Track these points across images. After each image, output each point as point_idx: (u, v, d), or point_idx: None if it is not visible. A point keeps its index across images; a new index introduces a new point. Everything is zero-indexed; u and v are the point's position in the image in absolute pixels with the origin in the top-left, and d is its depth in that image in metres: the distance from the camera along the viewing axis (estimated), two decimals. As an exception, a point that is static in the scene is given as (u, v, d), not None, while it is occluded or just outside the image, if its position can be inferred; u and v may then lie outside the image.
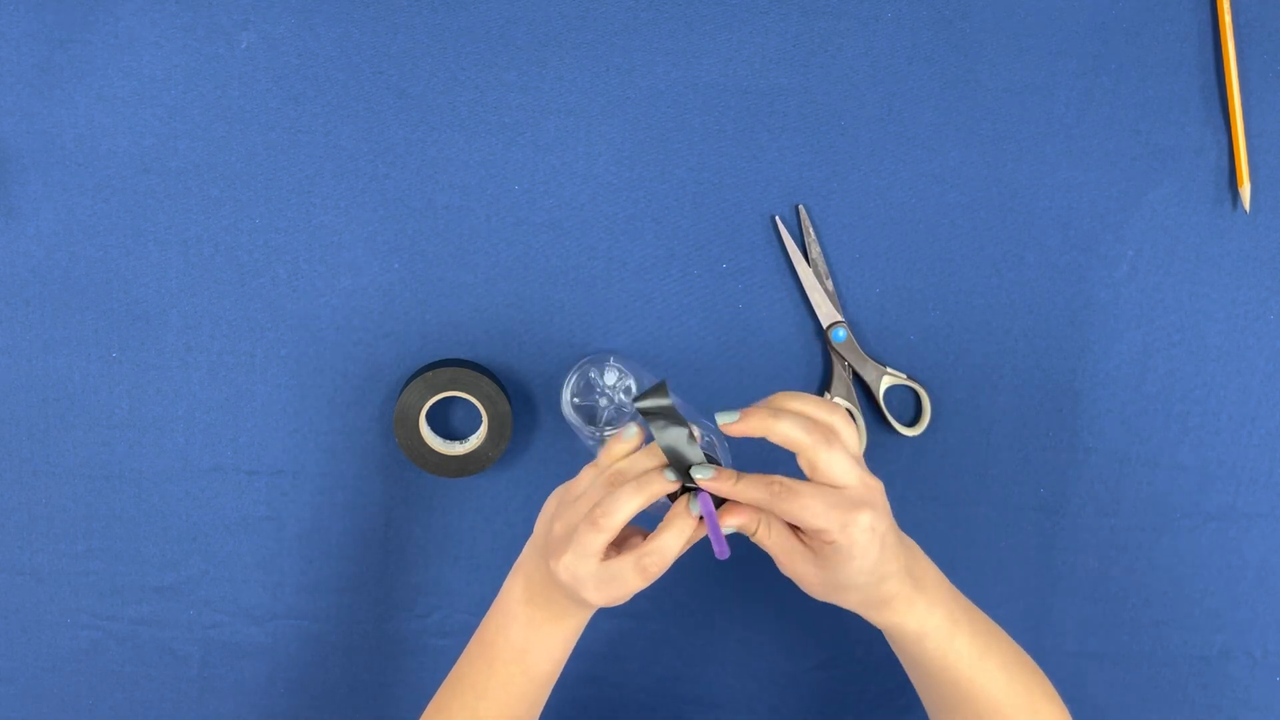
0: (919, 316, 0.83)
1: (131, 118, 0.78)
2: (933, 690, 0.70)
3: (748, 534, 0.63)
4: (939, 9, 0.80)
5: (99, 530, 0.83)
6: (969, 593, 0.87)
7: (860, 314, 0.83)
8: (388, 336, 0.81)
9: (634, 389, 0.78)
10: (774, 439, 0.60)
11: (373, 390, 0.82)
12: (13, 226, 0.79)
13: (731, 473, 0.61)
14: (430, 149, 0.79)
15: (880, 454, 0.85)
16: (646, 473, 0.62)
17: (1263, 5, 0.81)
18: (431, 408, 0.81)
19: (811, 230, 0.81)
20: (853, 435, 0.62)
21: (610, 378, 0.79)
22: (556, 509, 0.65)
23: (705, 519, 0.61)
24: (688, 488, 0.62)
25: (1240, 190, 0.82)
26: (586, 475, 0.65)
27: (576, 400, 0.79)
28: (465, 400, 0.81)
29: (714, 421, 0.62)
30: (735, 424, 0.60)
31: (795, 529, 0.63)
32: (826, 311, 0.82)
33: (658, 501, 0.62)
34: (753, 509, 0.62)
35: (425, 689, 0.86)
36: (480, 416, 0.81)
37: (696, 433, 0.62)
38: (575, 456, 0.83)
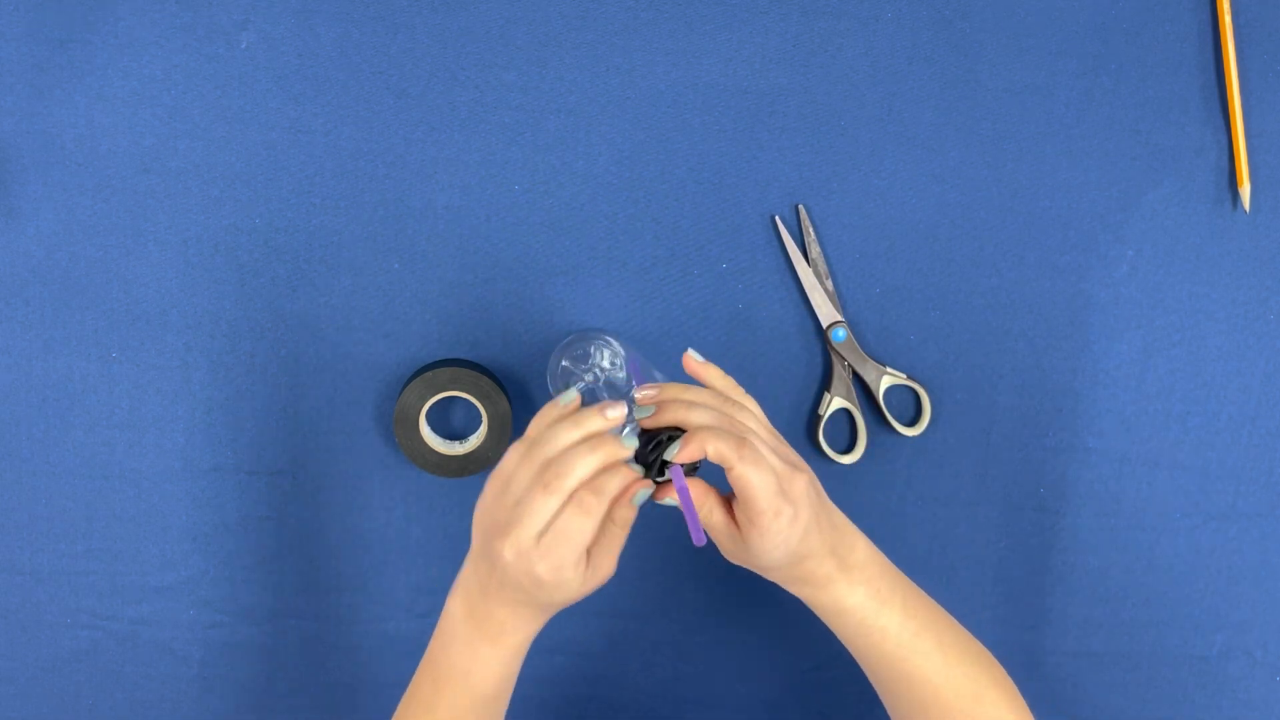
0: (919, 316, 0.83)
1: (131, 118, 0.78)
2: (871, 669, 0.70)
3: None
4: (939, 9, 0.80)
5: (99, 530, 0.83)
6: (969, 592, 0.88)
7: (860, 314, 0.83)
8: (388, 336, 0.81)
9: (624, 374, 0.78)
10: (691, 419, 0.62)
11: (373, 390, 0.82)
12: (13, 226, 0.79)
13: (699, 449, 0.61)
14: (430, 149, 0.79)
15: (880, 454, 0.85)
16: (597, 434, 0.61)
17: (1263, 5, 0.81)
18: (431, 408, 0.81)
19: (811, 230, 0.81)
20: (762, 420, 0.64)
21: (604, 358, 0.78)
22: (492, 500, 0.63)
23: (681, 502, 0.61)
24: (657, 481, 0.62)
25: (1240, 190, 0.82)
26: (514, 454, 0.63)
27: (566, 365, 0.78)
28: (465, 400, 0.81)
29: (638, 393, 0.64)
30: (651, 417, 0.62)
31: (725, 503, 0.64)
32: (826, 311, 0.82)
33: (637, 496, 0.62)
34: (705, 493, 0.63)
35: (425, 689, 0.87)
36: (480, 416, 0.81)
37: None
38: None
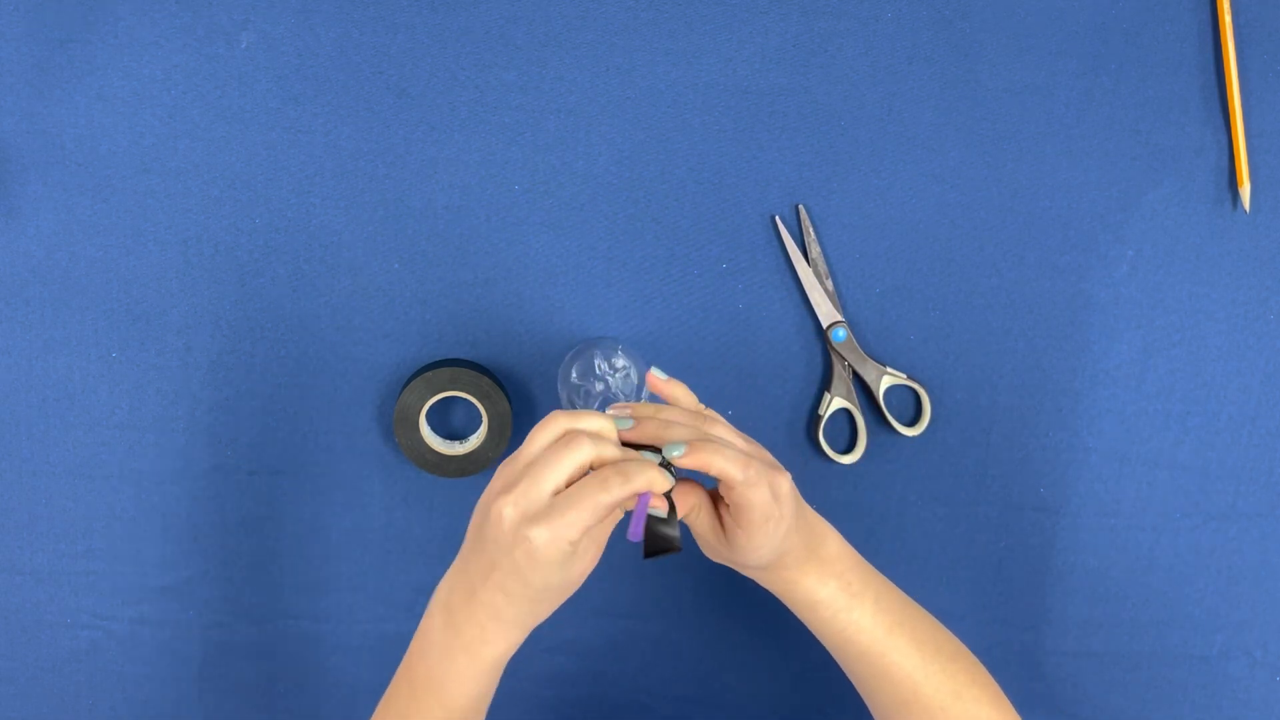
0: (919, 316, 0.83)
1: (131, 118, 0.78)
2: (847, 666, 0.70)
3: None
4: (939, 9, 0.80)
5: (99, 530, 0.83)
6: (969, 592, 0.88)
7: (860, 314, 0.83)
8: (388, 336, 0.81)
9: (635, 382, 0.78)
10: (662, 442, 0.62)
11: (373, 390, 0.82)
12: (13, 226, 0.79)
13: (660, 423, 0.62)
14: (430, 149, 0.79)
15: (880, 454, 0.85)
16: (649, 462, 0.61)
17: (1263, 5, 0.81)
18: (431, 408, 0.81)
19: (811, 230, 0.81)
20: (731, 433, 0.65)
21: (616, 366, 0.78)
22: (497, 475, 0.62)
23: (639, 501, 0.59)
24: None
25: (1240, 190, 0.82)
26: (534, 432, 0.62)
27: (575, 378, 0.78)
28: (465, 400, 0.81)
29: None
30: (630, 430, 0.63)
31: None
32: (826, 311, 0.82)
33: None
34: (697, 496, 0.64)
35: (425, 689, 0.87)
36: (480, 416, 0.81)
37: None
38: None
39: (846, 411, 0.84)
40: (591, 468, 0.60)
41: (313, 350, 0.81)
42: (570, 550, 0.58)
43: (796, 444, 0.84)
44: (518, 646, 0.64)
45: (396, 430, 0.80)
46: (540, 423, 0.61)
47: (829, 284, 0.82)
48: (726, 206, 0.81)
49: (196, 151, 0.78)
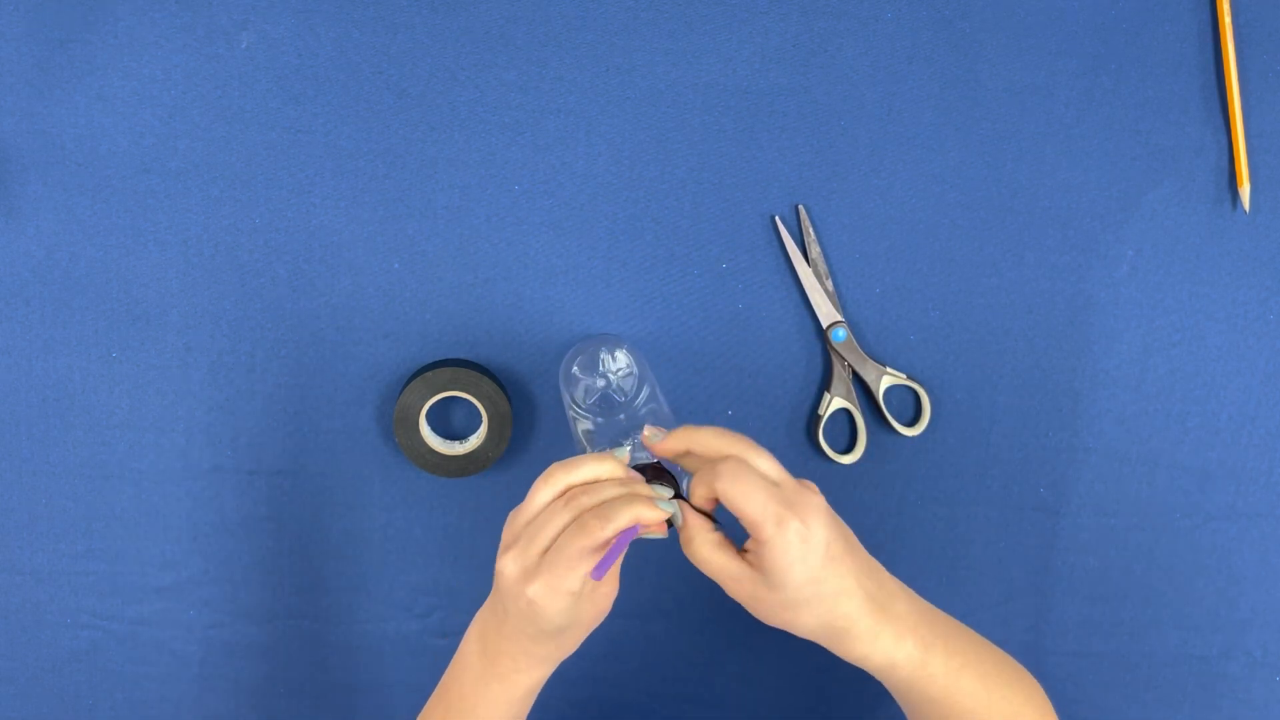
0: (919, 316, 0.83)
1: (131, 118, 0.78)
2: (914, 710, 0.69)
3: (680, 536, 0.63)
4: (939, 9, 0.80)
5: (99, 530, 0.83)
6: (969, 592, 0.87)
7: (860, 314, 0.83)
8: (388, 336, 0.81)
9: (635, 377, 0.78)
10: (698, 449, 0.62)
11: (373, 390, 0.82)
12: (13, 226, 0.79)
13: (683, 438, 0.63)
14: (430, 149, 0.79)
15: (880, 454, 0.85)
16: (636, 495, 0.60)
17: (1263, 5, 0.81)
18: (431, 408, 0.81)
19: (811, 230, 0.81)
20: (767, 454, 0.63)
21: (616, 362, 0.78)
22: (507, 524, 0.62)
23: (619, 538, 0.60)
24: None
25: (1240, 190, 0.82)
26: (537, 487, 0.62)
27: (576, 374, 0.78)
28: (465, 400, 0.81)
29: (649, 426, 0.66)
30: (662, 442, 0.63)
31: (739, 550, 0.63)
32: (826, 311, 0.82)
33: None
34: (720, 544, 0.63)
35: (425, 689, 0.86)
36: (480, 416, 0.81)
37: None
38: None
39: (846, 411, 0.84)
40: None
41: (313, 350, 0.81)
42: (572, 598, 0.60)
43: (796, 444, 0.84)
44: (549, 675, 0.66)
45: (396, 430, 0.80)
46: (541, 476, 0.62)
47: (829, 284, 0.82)
48: (726, 206, 0.81)
49: (196, 151, 0.78)
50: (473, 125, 0.79)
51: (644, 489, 0.62)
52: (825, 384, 0.83)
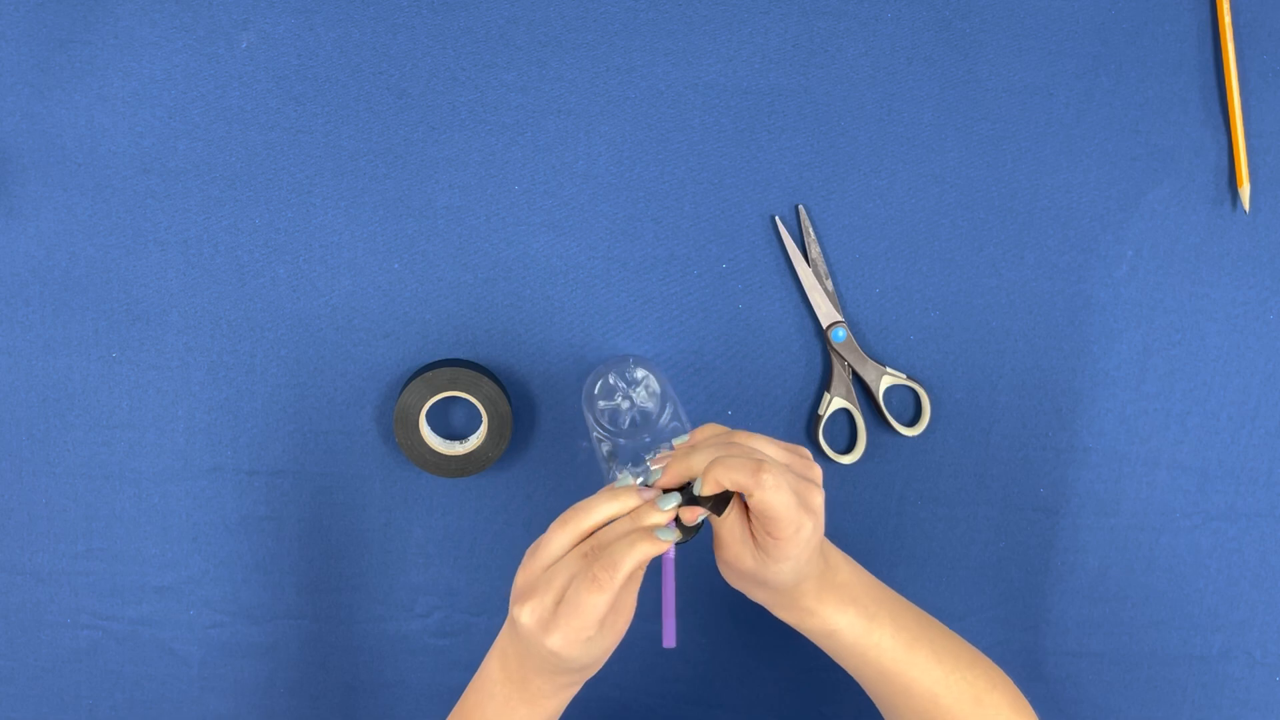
0: (919, 316, 0.83)
1: (131, 118, 0.78)
2: (869, 686, 0.70)
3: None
4: (939, 9, 0.80)
5: (99, 530, 0.83)
6: (969, 592, 0.87)
7: (860, 314, 0.83)
8: (388, 336, 0.81)
9: (655, 390, 0.78)
10: (698, 467, 0.62)
11: (373, 390, 0.82)
12: (13, 226, 0.79)
13: (715, 485, 0.61)
14: (430, 149, 0.79)
15: (880, 454, 0.85)
16: (634, 531, 0.61)
17: (1263, 5, 0.81)
18: (431, 408, 0.81)
19: (811, 230, 0.81)
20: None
21: (635, 378, 0.78)
22: (524, 565, 0.63)
23: (664, 594, 0.62)
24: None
25: (1240, 190, 0.82)
26: (552, 532, 0.62)
27: (599, 397, 0.78)
28: (465, 400, 0.81)
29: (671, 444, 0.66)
30: (665, 479, 0.63)
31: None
32: (826, 311, 0.82)
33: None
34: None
35: (425, 689, 0.87)
36: (480, 416, 0.81)
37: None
38: (575, 456, 0.83)
39: (846, 411, 0.84)
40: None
41: (313, 350, 0.81)
42: (589, 645, 0.61)
43: (796, 444, 0.84)
44: (575, 693, 0.67)
45: (396, 430, 0.80)
46: (559, 521, 0.62)
47: (829, 284, 0.82)
48: (726, 206, 0.81)
49: (196, 151, 0.78)
50: (473, 125, 0.79)
51: (647, 517, 0.61)
52: (825, 384, 0.83)
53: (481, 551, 0.85)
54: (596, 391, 0.78)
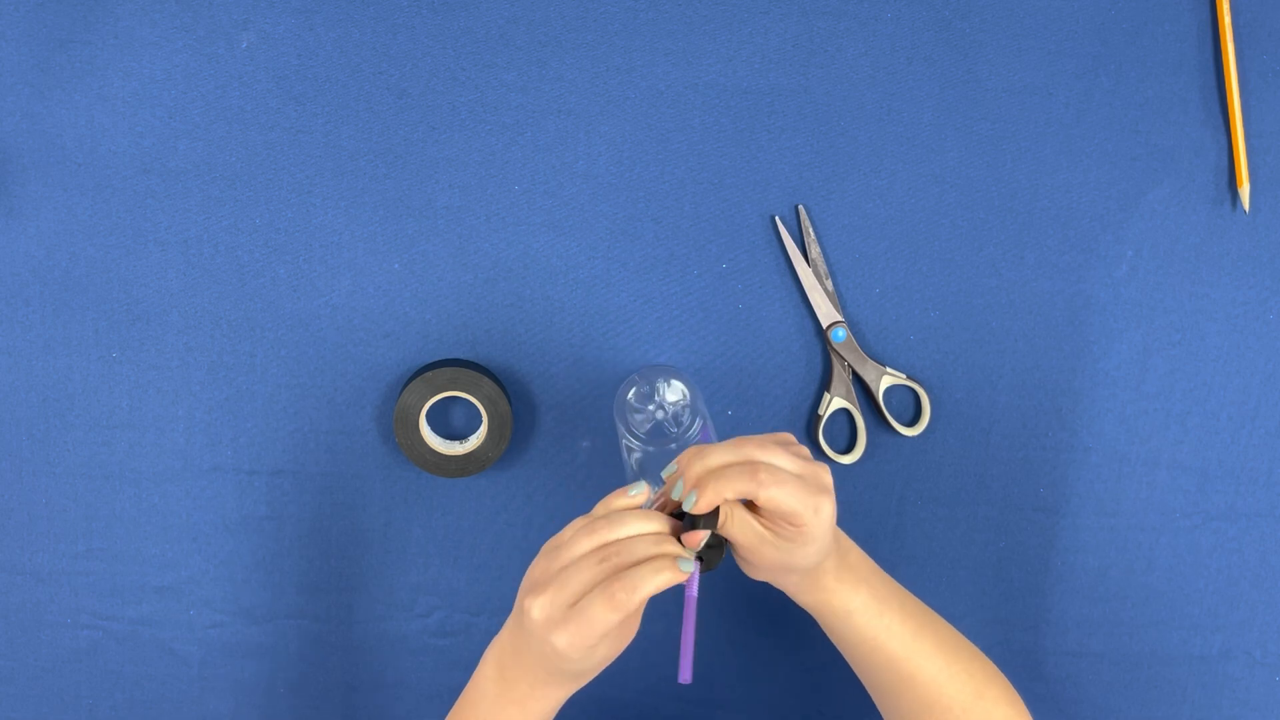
0: (919, 316, 0.83)
1: (131, 118, 0.78)
2: (873, 675, 0.71)
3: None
4: (939, 9, 0.80)
5: (99, 530, 0.83)
6: (969, 592, 0.88)
7: (860, 314, 0.83)
8: (388, 336, 0.81)
9: (690, 414, 0.78)
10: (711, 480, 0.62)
11: (373, 390, 0.82)
12: (13, 226, 0.79)
13: (712, 490, 0.61)
14: (430, 149, 0.79)
15: (880, 454, 0.85)
16: (660, 557, 0.60)
17: (1263, 5, 0.81)
18: (431, 408, 0.81)
19: (811, 230, 0.81)
20: (775, 446, 0.63)
21: (670, 396, 0.78)
22: (539, 560, 0.63)
23: (684, 626, 0.62)
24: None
25: (1240, 190, 0.82)
26: (575, 523, 0.63)
27: (633, 400, 0.78)
28: (465, 400, 0.81)
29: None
30: (676, 492, 0.62)
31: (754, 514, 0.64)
32: (826, 311, 0.82)
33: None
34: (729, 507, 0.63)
35: (425, 689, 0.87)
36: (480, 416, 0.81)
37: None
38: (575, 456, 0.83)
39: (846, 411, 0.84)
40: None
41: (313, 350, 0.81)
42: (594, 653, 0.61)
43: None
44: (567, 698, 0.67)
45: (396, 430, 0.80)
46: (585, 524, 0.62)
47: (829, 284, 0.82)
48: (726, 206, 0.81)
49: (196, 151, 0.78)
50: (473, 125, 0.79)
51: (672, 547, 0.61)
52: (825, 384, 0.83)
53: (482, 551, 0.85)
54: (630, 398, 0.77)
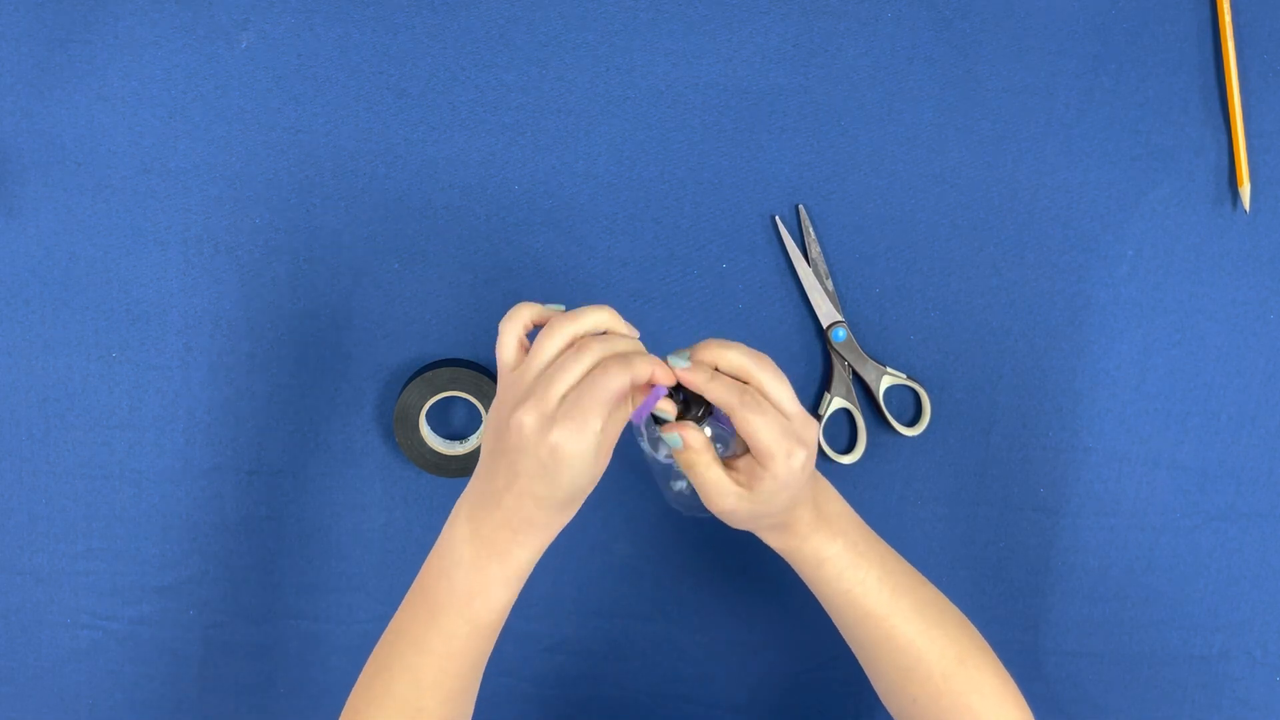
0: (919, 316, 0.83)
1: (131, 118, 0.78)
2: (852, 631, 0.70)
3: (680, 449, 0.63)
4: (939, 9, 0.80)
5: (99, 530, 0.83)
6: (969, 592, 0.87)
7: (860, 314, 0.83)
8: (388, 336, 0.81)
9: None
10: (723, 367, 0.62)
11: (373, 390, 0.82)
12: (13, 226, 0.79)
13: (706, 368, 0.62)
14: (430, 149, 0.79)
15: (880, 454, 0.85)
16: (644, 351, 0.61)
17: (1263, 5, 0.81)
18: (431, 408, 0.81)
19: (811, 230, 0.81)
20: (785, 381, 0.63)
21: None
22: (509, 384, 0.61)
23: (647, 398, 0.61)
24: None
25: (1240, 190, 0.82)
26: (540, 340, 0.61)
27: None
28: (465, 400, 0.81)
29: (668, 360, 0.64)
30: (687, 371, 0.62)
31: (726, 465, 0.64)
32: (826, 311, 0.82)
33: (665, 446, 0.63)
34: (701, 435, 0.63)
35: (425, 689, 0.87)
36: (480, 416, 0.81)
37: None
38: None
39: (846, 411, 0.84)
40: None
41: (313, 350, 0.81)
42: (595, 443, 0.58)
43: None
44: (544, 549, 0.64)
45: (396, 430, 0.80)
46: (544, 330, 0.61)
47: (829, 284, 0.82)
48: (726, 206, 0.81)
49: (196, 151, 0.78)
50: (473, 125, 0.79)
51: (637, 348, 0.62)
52: (825, 384, 0.83)
53: (481, 551, 0.84)
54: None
